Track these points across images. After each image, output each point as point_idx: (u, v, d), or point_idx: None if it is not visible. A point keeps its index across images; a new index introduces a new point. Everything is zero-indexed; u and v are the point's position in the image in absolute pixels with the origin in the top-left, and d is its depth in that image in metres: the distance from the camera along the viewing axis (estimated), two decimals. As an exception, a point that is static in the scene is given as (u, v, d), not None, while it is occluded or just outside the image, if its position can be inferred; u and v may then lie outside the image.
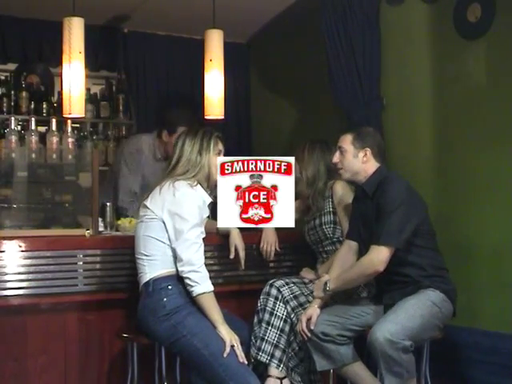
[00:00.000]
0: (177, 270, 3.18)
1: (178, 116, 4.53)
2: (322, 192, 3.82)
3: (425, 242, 3.35)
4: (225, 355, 3.06)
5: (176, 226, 3.16)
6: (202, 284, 3.13)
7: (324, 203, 3.82)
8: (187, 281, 3.14)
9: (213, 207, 3.42)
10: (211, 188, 3.38)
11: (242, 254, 3.68)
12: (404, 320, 3.13)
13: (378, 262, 3.24)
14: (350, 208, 3.72)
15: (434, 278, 3.32)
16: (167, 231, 3.19)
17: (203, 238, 3.26)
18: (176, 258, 3.18)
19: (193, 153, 3.30)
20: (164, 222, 3.19)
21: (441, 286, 3.30)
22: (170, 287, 3.17)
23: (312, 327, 3.39)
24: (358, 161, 3.44)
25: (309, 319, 3.41)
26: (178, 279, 3.18)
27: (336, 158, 3.52)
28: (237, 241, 3.68)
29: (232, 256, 3.68)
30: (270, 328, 3.57)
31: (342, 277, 3.39)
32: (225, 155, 4.12)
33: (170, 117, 4.58)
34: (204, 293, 3.13)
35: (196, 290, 3.13)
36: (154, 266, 3.20)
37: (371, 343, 3.10)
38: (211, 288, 3.16)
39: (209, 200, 3.30)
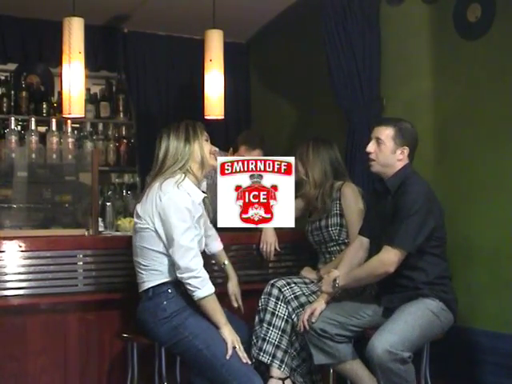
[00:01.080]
0: (176, 276, 3.14)
1: (244, 137, 4.40)
2: (328, 193, 3.79)
3: (433, 248, 3.32)
4: (227, 357, 3.06)
5: (168, 234, 3.10)
6: (202, 288, 3.10)
7: (331, 205, 3.80)
8: (188, 286, 3.10)
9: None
10: (207, 175, 3.31)
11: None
12: (403, 331, 3.11)
13: (389, 263, 3.22)
14: (359, 211, 3.70)
15: (435, 286, 3.29)
16: (161, 239, 3.14)
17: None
18: (174, 265, 3.13)
19: (180, 143, 3.20)
20: (156, 230, 3.13)
21: (440, 295, 3.28)
22: (169, 291, 3.15)
23: (313, 320, 3.39)
24: (394, 157, 3.36)
25: (312, 312, 3.41)
26: (177, 282, 3.16)
27: (371, 148, 3.40)
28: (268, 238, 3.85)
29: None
30: (271, 328, 3.57)
31: (352, 274, 3.38)
32: (225, 154, 4.10)
33: (239, 137, 4.43)
34: (205, 296, 3.11)
35: (197, 294, 3.10)
36: (152, 275, 3.17)
37: (370, 354, 3.09)
38: (212, 290, 3.14)
39: (200, 197, 3.21)
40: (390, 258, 3.22)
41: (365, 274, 3.33)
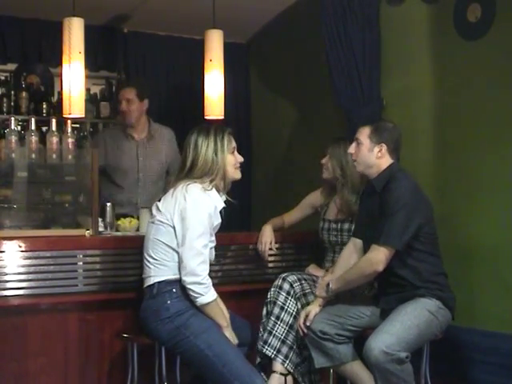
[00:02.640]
0: None
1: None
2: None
3: (425, 246, 3.32)
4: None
5: (184, 232, 3.10)
6: (205, 295, 3.10)
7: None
8: (190, 292, 3.10)
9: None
10: (228, 188, 3.29)
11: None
12: (400, 331, 3.12)
13: (377, 262, 3.22)
14: None
15: (431, 285, 3.29)
16: (177, 237, 3.13)
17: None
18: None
19: (208, 154, 3.19)
20: (174, 227, 3.13)
21: (437, 294, 3.28)
22: (174, 290, 3.14)
23: (308, 324, 3.39)
24: (372, 155, 3.40)
25: (307, 316, 3.41)
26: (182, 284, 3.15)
27: (352, 148, 3.47)
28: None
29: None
30: (278, 322, 3.56)
31: (343, 277, 3.38)
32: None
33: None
34: (208, 303, 3.12)
35: (200, 300, 3.11)
36: (160, 270, 3.16)
37: (366, 355, 3.10)
38: (215, 296, 3.14)
39: (221, 205, 3.22)
40: (377, 256, 3.22)
41: (355, 276, 3.33)
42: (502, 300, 3.82)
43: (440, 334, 3.36)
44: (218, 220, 3.23)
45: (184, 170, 3.24)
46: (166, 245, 3.15)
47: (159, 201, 3.25)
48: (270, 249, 3.88)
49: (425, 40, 4.33)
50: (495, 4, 3.87)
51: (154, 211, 3.24)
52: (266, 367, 3.55)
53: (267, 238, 3.86)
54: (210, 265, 3.59)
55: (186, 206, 3.11)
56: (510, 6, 3.80)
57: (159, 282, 3.15)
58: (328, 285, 3.39)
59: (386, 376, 3.08)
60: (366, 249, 3.39)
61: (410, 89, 4.43)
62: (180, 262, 3.12)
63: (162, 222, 3.17)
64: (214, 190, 3.20)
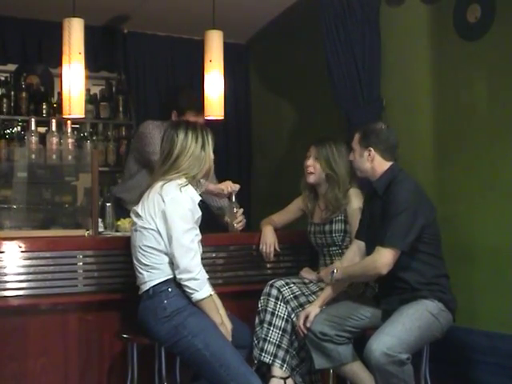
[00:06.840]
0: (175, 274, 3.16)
1: (189, 100, 4.43)
2: (343, 196, 3.77)
3: (428, 247, 3.32)
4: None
5: (170, 233, 3.12)
6: (200, 290, 3.12)
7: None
8: (186, 288, 3.13)
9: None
10: (201, 186, 3.34)
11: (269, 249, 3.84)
12: (401, 333, 3.11)
13: (381, 265, 3.22)
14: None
15: (433, 287, 3.29)
16: (162, 238, 3.16)
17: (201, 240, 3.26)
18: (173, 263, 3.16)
19: (197, 148, 3.24)
20: (158, 230, 3.15)
21: (438, 296, 3.28)
22: (169, 289, 3.16)
23: (308, 325, 3.40)
24: (364, 160, 3.42)
25: (307, 317, 3.42)
26: (177, 281, 3.17)
27: (351, 156, 3.52)
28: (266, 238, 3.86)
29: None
30: (271, 328, 3.57)
31: (348, 270, 3.39)
32: (226, 154, 4.10)
33: (181, 99, 4.46)
34: (204, 298, 3.13)
35: (196, 296, 3.13)
36: (154, 274, 3.18)
37: (367, 356, 3.10)
38: (210, 292, 3.16)
39: (198, 198, 3.24)
40: (382, 259, 3.22)
41: (358, 273, 3.35)
42: (502, 301, 3.82)
43: (440, 336, 3.35)
44: (198, 213, 3.24)
45: (168, 161, 3.24)
46: (154, 248, 3.17)
47: (137, 207, 3.25)
48: (274, 249, 3.88)
49: (425, 40, 4.32)
50: (495, 4, 3.87)
51: (134, 218, 3.25)
52: (265, 375, 3.55)
53: (271, 240, 3.86)
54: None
55: (166, 207, 3.13)
56: (509, 6, 3.80)
57: (154, 286, 3.17)
58: (333, 272, 3.39)
59: (386, 377, 3.08)
60: (368, 251, 3.39)
61: (410, 89, 4.43)
62: (172, 261, 3.14)
63: (144, 227, 3.18)
64: (189, 185, 3.21)
